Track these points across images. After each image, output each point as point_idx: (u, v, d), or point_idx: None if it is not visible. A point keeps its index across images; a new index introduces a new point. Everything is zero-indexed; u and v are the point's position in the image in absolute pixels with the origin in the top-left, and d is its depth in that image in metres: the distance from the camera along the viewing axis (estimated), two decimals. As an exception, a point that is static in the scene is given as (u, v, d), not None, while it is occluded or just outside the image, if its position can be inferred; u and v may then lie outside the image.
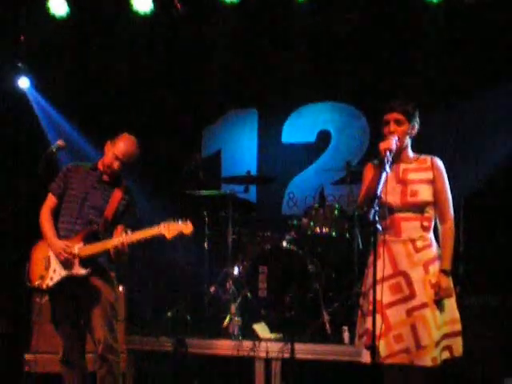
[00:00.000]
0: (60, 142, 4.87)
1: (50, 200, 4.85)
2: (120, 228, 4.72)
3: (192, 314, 6.79)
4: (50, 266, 4.67)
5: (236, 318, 6.30)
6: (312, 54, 8.11)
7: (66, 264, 4.60)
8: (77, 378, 4.78)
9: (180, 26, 8.10)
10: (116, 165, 4.77)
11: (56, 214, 4.82)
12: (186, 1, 7.69)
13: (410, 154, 4.33)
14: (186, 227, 4.52)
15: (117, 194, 4.80)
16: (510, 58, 7.11)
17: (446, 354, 4.12)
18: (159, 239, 4.58)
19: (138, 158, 4.88)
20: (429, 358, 4.02)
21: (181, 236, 4.51)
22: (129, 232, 4.59)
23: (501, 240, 6.93)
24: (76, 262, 4.60)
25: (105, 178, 4.83)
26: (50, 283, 4.64)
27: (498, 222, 7.03)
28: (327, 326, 6.30)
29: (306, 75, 8.15)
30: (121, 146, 4.79)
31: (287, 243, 6.85)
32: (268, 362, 5.94)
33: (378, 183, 3.85)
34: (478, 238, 6.81)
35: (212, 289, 6.93)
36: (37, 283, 4.68)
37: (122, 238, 4.58)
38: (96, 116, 8.01)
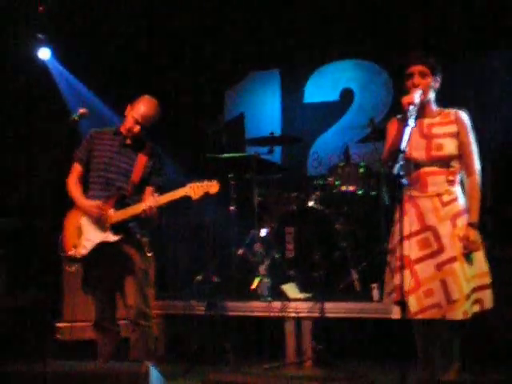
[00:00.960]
0: (82, 110, 4.86)
1: (76, 168, 4.87)
2: (149, 191, 4.74)
3: (221, 277, 6.81)
4: (82, 235, 4.71)
5: (265, 280, 6.32)
6: (332, 12, 8.03)
7: (100, 224, 4.63)
8: (110, 342, 4.85)
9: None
10: (136, 128, 4.77)
11: (83, 181, 4.85)
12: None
13: (434, 108, 4.28)
14: (212, 187, 4.53)
15: (142, 157, 4.81)
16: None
17: (476, 308, 4.11)
18: (186, 203, 4.60)
19: (159, 119, 4.87)
20: (460, 312, 4.00)
21: (207, 196, 4.51)
22: (156, 195, 4.61)
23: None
24: (107, 228, 4.63)
25: (128, 141, 4.83)
26: (84, 251, 4.68)
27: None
28: (356, 284, 6.32)
29: (327, 34, 8.08)
30: (140, 109, 4.79)
31: (313, 203, 6.83)
32: (298, 321, 5.96)
33: (401, 137, 3.80)
34: (506, 192, 6.76)
35: (240, 251, 6.94)
36: (70, 252, 4.72)
37: (149, 201, 4.59)
38: (117, 84, 8.00)
